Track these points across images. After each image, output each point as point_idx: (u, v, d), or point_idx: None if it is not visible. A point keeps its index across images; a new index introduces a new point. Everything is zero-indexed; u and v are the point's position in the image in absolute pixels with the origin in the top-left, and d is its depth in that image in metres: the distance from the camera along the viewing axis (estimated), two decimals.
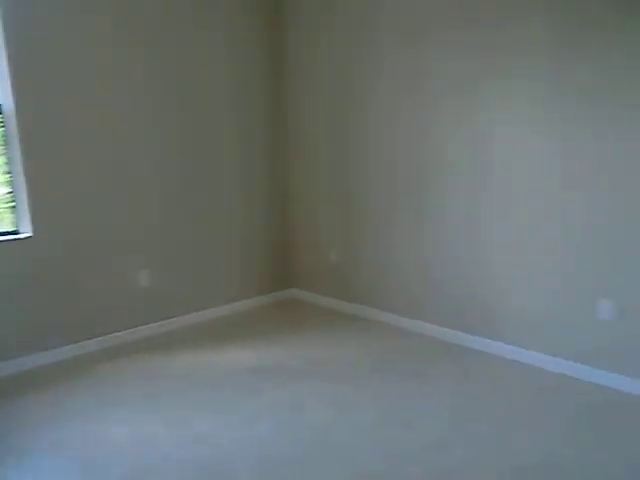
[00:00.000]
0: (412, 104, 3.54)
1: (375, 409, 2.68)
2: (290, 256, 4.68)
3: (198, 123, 3.83)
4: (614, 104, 2.70)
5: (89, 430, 2.49)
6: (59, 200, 3.21)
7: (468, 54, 3.20)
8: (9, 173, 3.10)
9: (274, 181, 4.45)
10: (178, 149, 3.74)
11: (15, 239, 3.06)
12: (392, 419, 2.58)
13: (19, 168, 3.06)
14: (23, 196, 3.09)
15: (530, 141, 3.03)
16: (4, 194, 3.11)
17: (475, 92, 3.22)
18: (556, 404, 2.74)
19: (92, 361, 3.30)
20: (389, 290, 3.94)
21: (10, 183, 3.11)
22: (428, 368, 3.19)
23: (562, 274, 3.02)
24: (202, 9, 3.73)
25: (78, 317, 3.39)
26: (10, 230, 3.13)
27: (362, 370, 3.15)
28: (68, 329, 3.35)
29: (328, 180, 4.20)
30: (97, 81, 3.27)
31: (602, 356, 2.93)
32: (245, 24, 4.01)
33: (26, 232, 3.14)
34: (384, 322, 3.99)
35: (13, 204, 3.12)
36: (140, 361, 3.30)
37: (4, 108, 3.01)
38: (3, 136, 3.05)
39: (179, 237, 3.85)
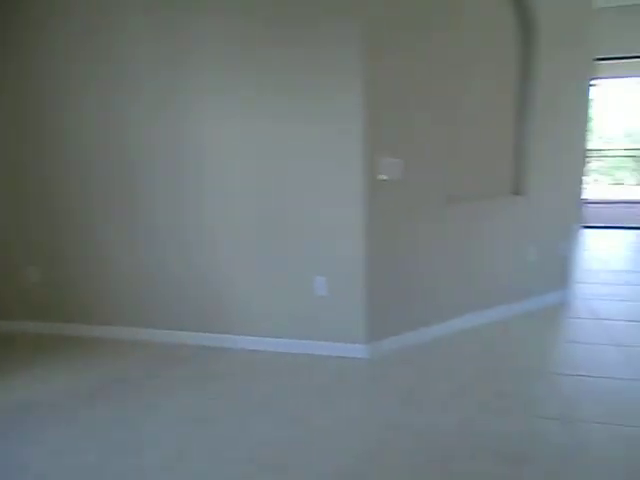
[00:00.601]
0: (109, 98, 3.27)
1: (100, 443, 2.38)
2: None
3: None
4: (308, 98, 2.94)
5: None
6: None
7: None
8: None
9: None
10: None
11: None
12: (121, 449, 2.33)
13: None
14: None
15: (239, 131, 3.09)
16: None
17: (182, 85, 3.14)
18: (292, 384, 2.90)
19: None
20: (112, 302, 3.57)
21: None
22: (162, 379, 3.00)
23: (280, 259, 3.20)
24: None
25: None
26: None
27: (83, 401, 2.76)
28: None
29: (18, 188, 3.56)
30: None
31: (323, 329, 3.22)
32: None
33: None
34: (112, 338, 3.56)
35: None
36: None
37: None
38: None
39: None
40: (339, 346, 3.18)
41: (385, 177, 3.01)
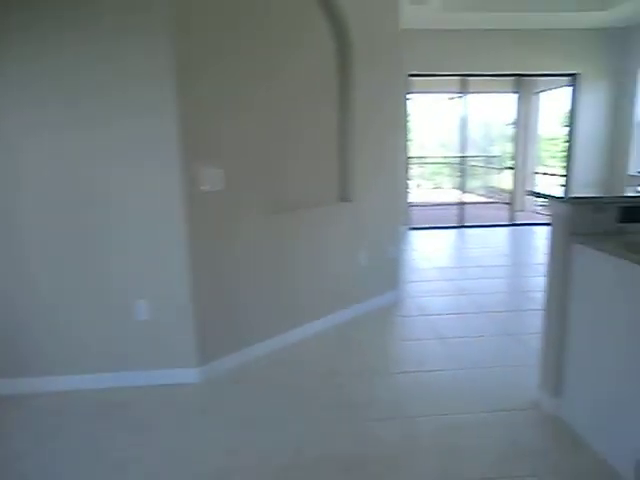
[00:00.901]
0: None
1: None
2: None
3: None
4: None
5: None
6: None
7: None
8: None
9: None
10: None
11: None
12: None
13: None
14: None
15: (38, 145, 2.67)
16: None
17: None
18: (114, 423, 2.56)
19: None
20: None
21: None
22: None
23: (93, 286, 2.83)
24: None
25: None
26: None
27: None
28: None
29: None
30: None
31: (148, 356, 2.92)
32: None
33: None
34: None
35: None
36: None
37: None
38: None
39: None
40: (167, 373, 2.90)
41: (206, 188, 2.83)
